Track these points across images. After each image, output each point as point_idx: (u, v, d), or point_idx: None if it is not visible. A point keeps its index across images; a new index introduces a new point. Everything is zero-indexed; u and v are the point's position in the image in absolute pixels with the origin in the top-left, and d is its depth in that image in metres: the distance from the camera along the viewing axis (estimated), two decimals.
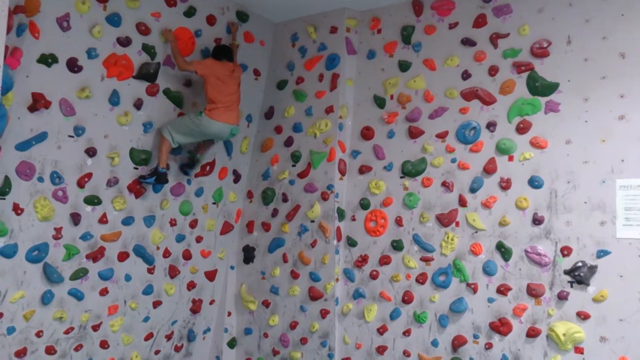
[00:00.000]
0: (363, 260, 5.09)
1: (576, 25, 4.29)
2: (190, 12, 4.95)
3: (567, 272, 4.13)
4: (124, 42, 4.47)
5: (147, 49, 4.64)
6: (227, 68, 4.85)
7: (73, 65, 4.14)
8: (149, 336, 5.04)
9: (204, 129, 4.71)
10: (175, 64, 4.73)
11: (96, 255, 4.46)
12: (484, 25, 4.71)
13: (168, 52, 4.76)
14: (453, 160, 4.73)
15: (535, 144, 4.37)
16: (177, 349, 5.36)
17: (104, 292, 4.56)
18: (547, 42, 4.40)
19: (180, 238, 5.16)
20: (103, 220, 4.48)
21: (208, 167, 5.32)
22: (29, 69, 3.87)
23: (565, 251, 4.15)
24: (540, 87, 4.38)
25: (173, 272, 5.13)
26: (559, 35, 4.36)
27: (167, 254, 5.05)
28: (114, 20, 4.37)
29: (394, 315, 4.87)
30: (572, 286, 4.11)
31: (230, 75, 4.84)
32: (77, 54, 4.16)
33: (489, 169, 4.54)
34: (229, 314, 5.69)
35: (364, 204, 5.16)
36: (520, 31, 4.52)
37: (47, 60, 3.97)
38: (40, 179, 4.03)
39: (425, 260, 4.78)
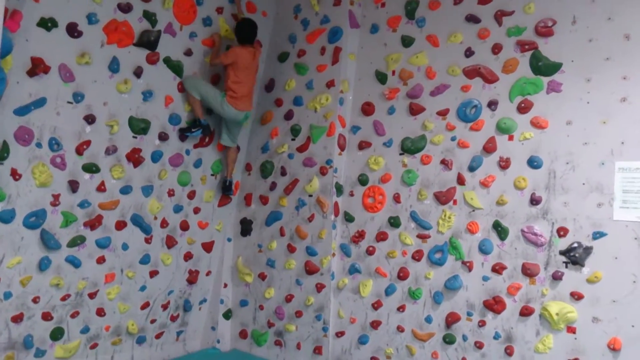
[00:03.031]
0: (360, 235, 5.10)
1: (582, 4, 4.24)
2: None
3: (562, 253, 4.15)
4: (125, 8, 4.41)
5: (148, 16, 4.58)
6: (250, 52, 5.05)
7: (73, 30, 4.09)
8: (145, 305, 5.07)
9: (221, 110, 5.03)
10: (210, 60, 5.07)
11: (94, 223, 4.46)
12: (489, 2, 4.65)
13: (169, 19, 4.71)
14: (453, 139, 4.72)
15: (536, 124, 4.35)
16: (173, 318, 5.40)
17: (101, 260, 4.57)
18: (552, 21, 4.35)
19: (178, 209, 5.16)
20: (101, 188, 4.47)
21: (207, 139, 5.30)
22: (28, 33, 3.82)
23: (562, 232, 4.16)
24: (543, 67, 4.35)
25: (170, 242, 5.14)
26: (564, 14, 4.31)
27: (164, 224, 5.06)
28: None
29: (389, 290, 4.90)
30: (566, 267, 4.14)
31: (252, 60, 5.08)
32: (77, 19, 4.11)
33: (489, 148, 4.53)
34: (225, 285, 5.72)
35: (363, 180, 5.16)
36: (525, 9, 4.47)
37: (47, 24, 3.92)
38: (39, 145, 4.01)
39: (422, 237, 4.79)
